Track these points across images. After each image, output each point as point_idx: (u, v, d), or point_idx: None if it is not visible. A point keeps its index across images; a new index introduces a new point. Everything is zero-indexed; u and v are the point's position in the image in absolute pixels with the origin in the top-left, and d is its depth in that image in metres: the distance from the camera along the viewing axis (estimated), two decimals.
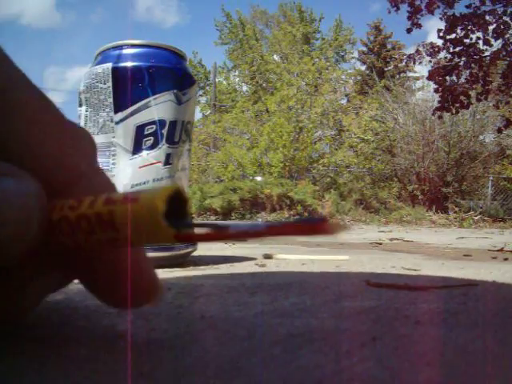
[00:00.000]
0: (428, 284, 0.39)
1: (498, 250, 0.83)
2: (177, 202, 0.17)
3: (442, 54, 4.58)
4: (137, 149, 0.44)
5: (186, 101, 0.47)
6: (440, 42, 4.48)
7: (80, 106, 0.47)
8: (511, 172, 6.93)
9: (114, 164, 0.44)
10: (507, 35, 4.32)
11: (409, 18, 4.18)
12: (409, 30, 4.30)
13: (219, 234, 0.16)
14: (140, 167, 0.44)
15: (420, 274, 0.47)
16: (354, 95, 9.30)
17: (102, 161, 0.45)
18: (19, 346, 0.20)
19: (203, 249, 0.67)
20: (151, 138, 0.45)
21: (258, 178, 4.72)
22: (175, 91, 0.45)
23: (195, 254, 0.54)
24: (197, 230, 0.17)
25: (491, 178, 6.70)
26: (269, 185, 4.01)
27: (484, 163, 6.84)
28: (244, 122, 6.02)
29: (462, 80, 4.44)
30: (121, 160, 0.44)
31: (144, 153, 0.45)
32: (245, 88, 9.98)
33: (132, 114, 0.44)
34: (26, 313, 0.22)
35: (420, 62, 4.97)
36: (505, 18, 4.23)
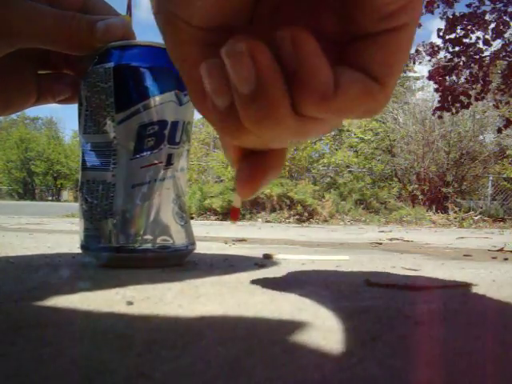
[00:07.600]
0: (428, 284, 0.39)
1: (498, 250, 0.83)
2: None
3: (442, 54, 4.58)
4: (138, 149, 0.44)
5: (186, 101, 0.47)
6: (440, 42, 4.49)
7: (81, 104, 0.47)
8: (511, 172, 6.93)
9: (114, 164, 0.45)
10: (507, 35, 4.32)
11: None
12: None
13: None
14: (141, 167, 0.44)
15: (420, 274, 0.47)
16: None
17: (102, 160, 0.45)
18: (19, 345, 0.20)
19: (203, 248, 0.67)
20: (153, 138, 0.45)
21: None
22: (176, 92, 0.45)
23: (195, 253, 0.54)
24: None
25: (491, 178, 6.70)
26: (269, 185, 4.02)
27: (484, 163, 6.84)
28: None
29: (462, 80, 4.44)
30: (122, 160, 0.44)
31: (146, 153, 0.45)
32: None
33: (134, 114, 0.44)
34: None
35: (420, 62, 4.97)
36: (505, 17, 4.23)
